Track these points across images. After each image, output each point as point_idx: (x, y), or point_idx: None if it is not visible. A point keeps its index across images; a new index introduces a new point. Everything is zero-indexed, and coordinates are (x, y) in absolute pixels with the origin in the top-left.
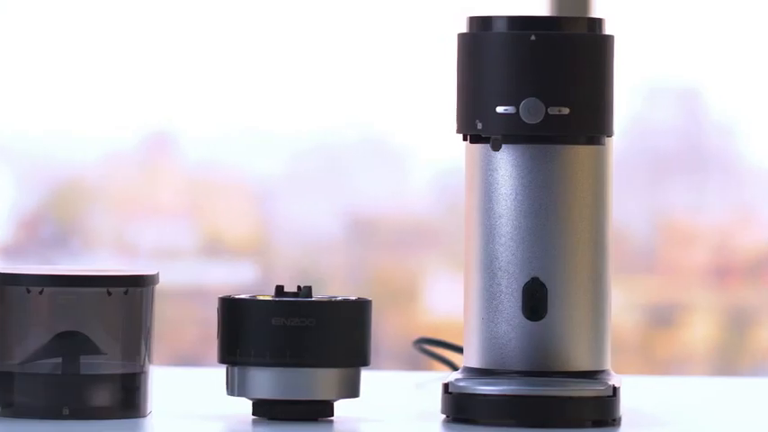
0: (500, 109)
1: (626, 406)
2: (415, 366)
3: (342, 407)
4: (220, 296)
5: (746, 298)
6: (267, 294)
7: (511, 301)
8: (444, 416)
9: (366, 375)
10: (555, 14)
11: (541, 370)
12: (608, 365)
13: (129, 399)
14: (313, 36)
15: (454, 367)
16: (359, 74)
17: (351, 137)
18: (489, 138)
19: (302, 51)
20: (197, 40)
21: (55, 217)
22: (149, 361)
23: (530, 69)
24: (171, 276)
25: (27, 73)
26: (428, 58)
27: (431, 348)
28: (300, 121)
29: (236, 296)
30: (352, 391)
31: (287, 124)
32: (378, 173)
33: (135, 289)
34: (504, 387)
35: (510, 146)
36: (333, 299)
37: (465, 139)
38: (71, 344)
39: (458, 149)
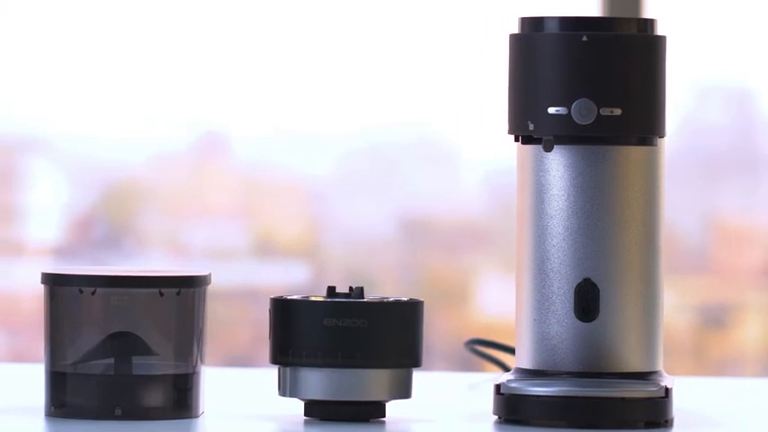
0: (552, 110)
1: (678, 407)
2: (466, 367)
3: (393, 408)
4: (272, 297)
5: None
6: (319, 295)
7: (563, 302)
8: (496, 417)
9: (418, 376)
10: (606, 15)
11: (593, 371)
12: (660, 366)
13: (182, 399)
14: (366, 36)
15: (506, 368)
16: (411, 74)
17: (403, 137)
18: (541, 139)
19: (355, 51)
20: (249, 40)
21: (107, 218)
22: (201, 361)
23: (581, 70)
24: (223, 277)
25: (80, 75)
26: (480, 58)
27: (482, 349)
28: (352, 122)
29: (289, 297)
30: (403, 391)
31: (338, 124)
32: (430, 173)
33: (187, 290)
34: (556, 388)
35: (562, 147)
36: (385, 299)
37: (517, 139)
38: (123, 344)
39: (510, 150)
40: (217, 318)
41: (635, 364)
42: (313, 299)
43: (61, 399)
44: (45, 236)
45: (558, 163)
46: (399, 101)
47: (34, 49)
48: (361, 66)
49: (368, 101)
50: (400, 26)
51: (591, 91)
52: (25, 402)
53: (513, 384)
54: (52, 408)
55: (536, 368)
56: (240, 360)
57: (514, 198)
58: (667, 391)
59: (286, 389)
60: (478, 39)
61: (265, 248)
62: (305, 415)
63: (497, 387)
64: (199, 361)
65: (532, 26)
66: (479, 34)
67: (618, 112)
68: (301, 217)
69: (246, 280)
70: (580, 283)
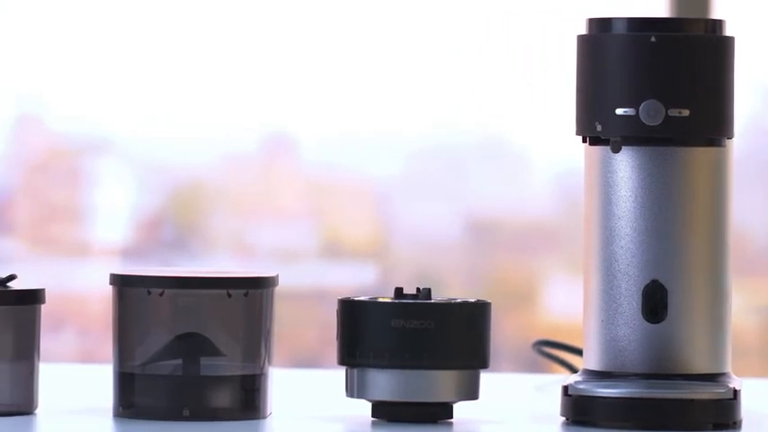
0: (620, 111)
1: (747, 409)
2: (533, 368)
3: (461, 409)
4: (340, 298)
5: None
6: (387, 296)
7: (630, 304)
8: (564, 418)
9: (485, 377)
10: (674, 15)
11: (661, 372)
12: (728, 368)
13: (249, 400)
14: (434, 37)
15: (573, 369)
16: (478, 75)
17: (470, 137)
18: (609, 140)
19: (423, 52)
20: (317, 42)
21: (175, 219)
22: (269, 362)
23: (650, 71)
24: (290, 278)
25: (149, 77)
26: (548, 58)
27: (550, 351)
28: (419, 122)
29: (356, 298)
30: (471, 393)
31: (406, 125)
32: (497, 173)
33: (255, 291)
34: (624, 389)
35: (629, 148)
36: (452, 301)
37: (584, 140)
38: (191, 345)
39: (577, 151)
40: (284, 319)
41: (703, 366)
42: (380, 300)
43: (129, 399)
44: (113, 237)
45: (625, 164)
46: (467, 101)
47: (103, 51)
48: (430, 66)
49: (435, 101)
50: (467, 27)
51: (659, 92)
52: (94, 403)
53: (581, 386)
54: (120, 408)
55: (603, 369)
56: (307, 361)
57: (582, 199)
58: (735, 392)
59: (353, 390)
60: (547, 39)
61: (333, 249)
62: (372, 416)
63: (565, 388)
64: (266, 362)
65: (600, 27)
66: (548, 34)
67: (686, 113)
68: (369, 218)
69: (314, 281)
70: (648, 284)
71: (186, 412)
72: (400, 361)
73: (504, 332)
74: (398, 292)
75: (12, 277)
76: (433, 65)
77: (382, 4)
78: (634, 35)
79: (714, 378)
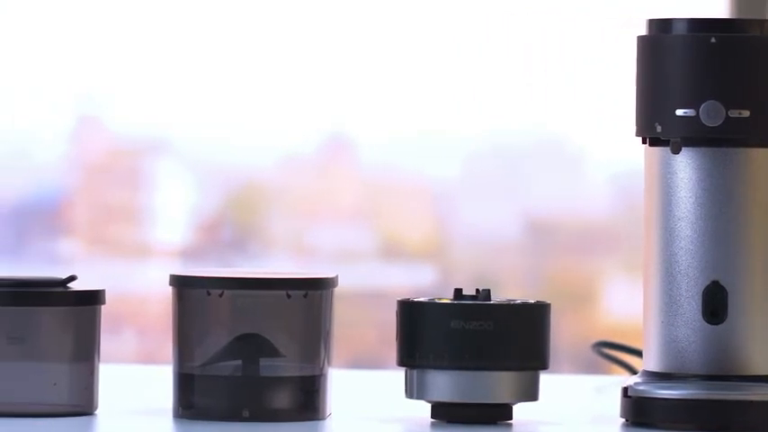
0: (680, 112)
1: None
2: (593, 370)
3: (520, 410)
4: (399, 299)
5: None
6: (446, 297)
7: (690, 305)
8: (623, 420)
9: (545, 378)
10: (735, 16)
11: (721, 374)
12: None
13: (309, 401)
14: (490, 38)
15: (633, 371)
16: (536, 75)
17: (528, 138)
18: (669, 140)
19: (480, 54)
20: (373, 43)
21: (234, 220)
22: (328, 363)
23: (710, 72)
24: (349, 279)
25: (207, 78)
26: (607, 59)
27: (610, 352)
28: (478, 123)
29: (415, 299)
30: (530, 394)
31: (464, 126)
32: (555, 175)
33: (314, 292)
34: (684, 391)
35: (689, 149)
36: (512, 302)
37: (644, 141)
38: (251, 346)
39: (636, 152)
40: (343, 320)
41: (763, 367)
42: (440, 301)
43: (189, 400)
44: (172, 238)
45: (685, 165)
46: (525, 102)
47: (163, 53)
48: (489, 67)
49: (494, 102)
50: (526, 27)
51: (719, 93)
52: (153, 404)
53: (641, 387)
54: (180, 409)
55: (663, 371)
56: (366, 362)
57: (641, 200)
58: None
59: (413, 391)
60: (605, 39)
61: (391, 250)
62: (432, 417)
63: (625, 390)
64: (326, 363)
65: (660, 28)
66: (607, 35)
67: (746, 113)
68: (427, 219)
69: (372, 282)
70: (708, 285)
71: (246, 413)
72: (460, 362)
73: (563, 333)
74: (458, 293)
75: (72, 278)
76: (491, 66)
77: (441, 6)
78: (694, 36)
79: None
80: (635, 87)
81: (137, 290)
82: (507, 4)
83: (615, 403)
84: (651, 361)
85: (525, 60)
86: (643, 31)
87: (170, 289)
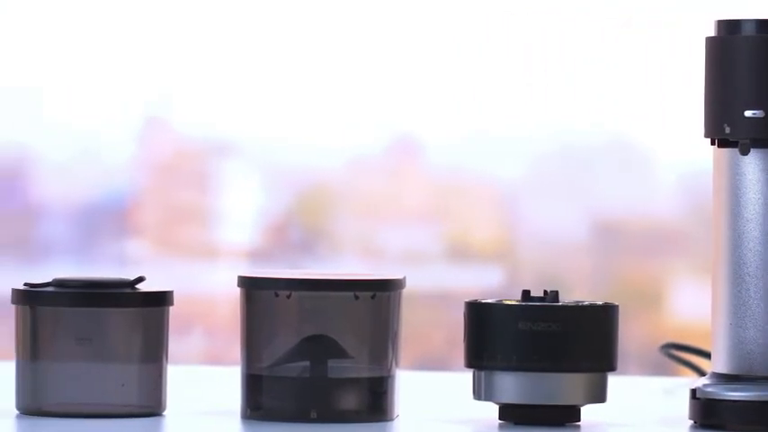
0: (748, 113)
1: None
2: (661, 371)
3: (588, 412)
4: (467, 300)
5: None
6: (513, 299)
7: (759, 306)
8: (692, 422)
9: (612, 380)
10: None
11: None
12: None
13: (377, 402)
14: (557, 39)
15: (701, 372)
16: (603, 76)
17: (596, 139)
18: (737, 142)
19: (548, 54)
20: (441, 44)
21: (302, 221)
22: (396, 365)
23: None
24: (417, 280)
25: (274, 80)
26: (675, 59)
27: (678, 353)
28: (545, 124)
29: (483, 300)
30: (598, 396)
31: (531, 127)
32: (623, 175)
33: (382, 293)
34: (753, 393)
35: (758, 150)
36: (579, 303)
37: (713, 143)
38: (319, 347)
39: (705, 152)
40: (410, 321)
41: None
42: (507, 303)
43: (257, 401)
44: (240, 239)
45: (754, 166)
46: (592, 102)
47: (230, 54)
48: (557, 68)
49: (560, 102)
50: (594, 28)
51: None
52: (221, 405)
53: (710, 389)
54: (248, 410)
55: (732, 372)
56: (434, 363)
57: (710, 201)
58: None
59: (480, 392)
60: (673, 40)
61: (459, 252)
62: (499, 419)
63: (693, 391)
64: (394, 364)
65: (729, 29)
66: (675, 35)
67: None
68: (494, 220)
69: (440, 283)
70: None
71: (314, 414)
72: (528, 363)
73: (631, 335)
74: (525, 294)
75: (140, 279)
76: (560, 66)
77: (507, 6)
78: (763, 37)
79: None
80: (703, 88)
81: (204, 291)
82: (577, 3)
83: (683, 405)
84: (720, 363)
85: (595, 60)
86: (711, 32)
87: (238, 290)
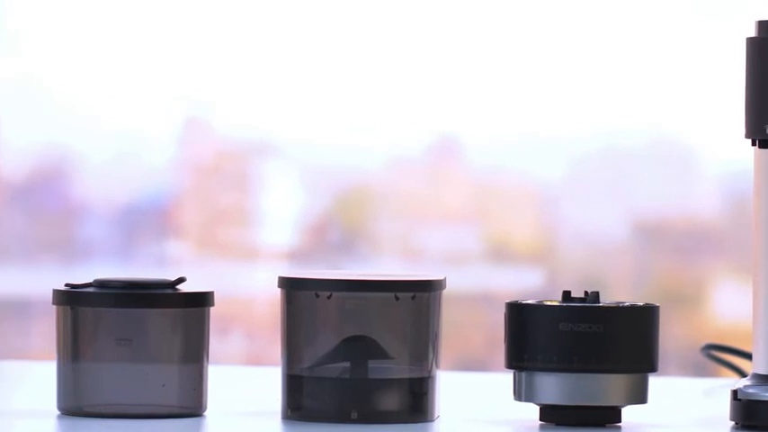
0: None
1: None
2: (702, 372)
3: (629, 413)
4: (507, 301)
5: None
6: (554, 299)
7: None
8: (733, 423)
9: (653, 381)
10: None
11: None
12: None
13: (417, 403)
14: (598, 37)
15: (742, 373)
16: (645, 75)
17: (636, 139)
18: None
19: (587, 53)
20: (481, 45)
21: (342, 222)
22: (437, 365)
23: None
24: (457, 281)
25: (314, 81)
26: (716, 60)
27: (718, 354)
28: (585, 124)
29: (524, 301)
30: (639, 397)
31: (571, 127)
32: (663, 176)
33: (423, 294)
34: None
35: None
36: (620, 304)
37: (754, 143)
38: (359, 348)
39: (746, 153)
40: (450, 321)
41: None
42: (548, 303)
43: (298, 402)
44: (280, 240)
45: None
46: (633, 102)
47: (271, 55)
48: (596, 68)
49: (601, 102)
50: (633, 27)
51: None
52: (262, 405)
53: (751, 390)
54: (288, 411)
55: None
56: (473, 364)
57: (750, 202)
58: None
59: (521, 393)
60: (715, 40)
61: (499, 252)
62: (540, 420)
63: (734, 393)
64: (434, 365)
65: None
66: (716, 35)
67: None
68: (535, 221)
69: (480, 284)
70: None
71: (354, 415)
72: (568, 364)
73: (671, 336)
74: (566, 295)
75: (181, 280)
76: (598, 66)
77: (545, 7)
78: None
79: None
80: (744, 89)
81: (245, 291)
82: (619, 2)
83: (724, 406)
84: (761, 363)
85: (635, 60)
86: (753, 33)
87: (278, 291)
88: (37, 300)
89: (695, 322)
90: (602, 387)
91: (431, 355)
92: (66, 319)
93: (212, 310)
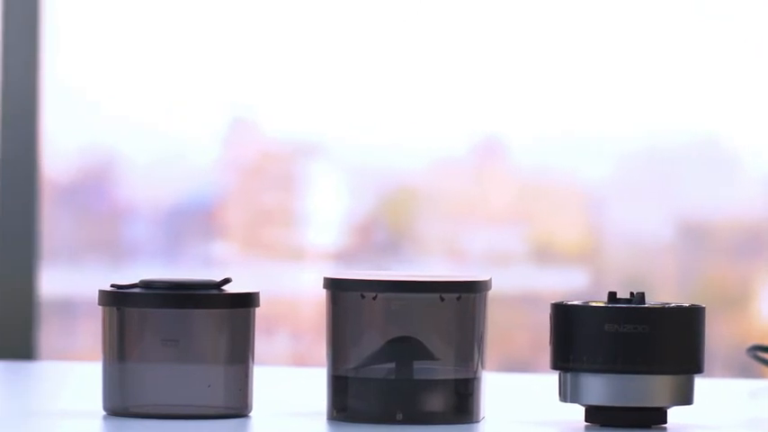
0: None
1: None
2: (747, 374)
3: (675, 414)
4: (553, 302)
5: None
6: (599, 300)
7: None
8: None
9: (698, 382)
10: None
11: None
12: None
13: (463, 404)
14: (643, 38)
15: None
16: (691, 75)
17: (682, 139)
18: None
19: (634, 54)
20: (526, 45)
21: (387, 223)
22: (482, 367)
23: None
24: (502, 282)
25: (359, 82)
26: (764, 60)
27: (765, 356)
28: (630, 124)
29: (569, 302)
30: (685, 398)
31: (616, 127)
32: (709, 176)
33: (468, 295)
34: None
35: None
36: (666, 305)
37: None
38: (404, 349)
39: None
40: (495, 322)
41: None
42: (594, 304)
43: (343, 403)
44: (325, 241)
45: None
46: (679, 102)
47: (315, 56)
48: (642, 67)
49: (647, 102)
50: (680, 26)
51: None
52: (307, 406)
53: None
54: (334, 411)
55: None
56: (518, 365)
57: None
58: None
59: (567, 394)
60: (764, 40)
61: (544, 253)
62: (586, 421)
63: None
64: (479, 366)
65: None
66: (764, 36)
67: None
68: (580, 221)
69: (525, 285)
70: None
71: (399, 416)
72: (614, 365)
73: (717, 337)
74: (612, 296)
75: (227, 281)
76: (645, 65)
77: (592, 7)
78: None
79: None
80: None
81: (290, 292)
82: (664, 2)
83: None
84: None
85: (680, 59)
86: None
87: (323, 292)
88: (83, 300)
89: (741, 323)
90: (648, 388)
91: (476, 356)
92: (112, 320)
93: (258, 310)
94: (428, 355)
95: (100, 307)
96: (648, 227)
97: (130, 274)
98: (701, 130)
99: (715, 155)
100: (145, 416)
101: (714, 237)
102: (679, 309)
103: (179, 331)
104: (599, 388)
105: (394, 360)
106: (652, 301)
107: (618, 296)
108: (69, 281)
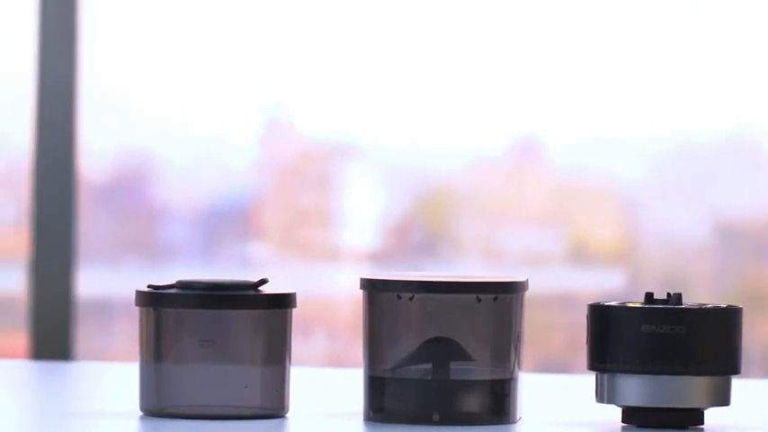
0: None
1: None
2: None
3: (712, 415)
4: (590, 303)
5: None
6: (636, 301)
7: None
8: None
9: (736, 383)
10: None
11: None
12: None
13: (499, 405)
14: (678, 39)
15: None
16: (727, 74)
17: (718, 139)
18: None
19: (670, 53)
20: (562, 45)
21: (423, 224)
22: (519, 367)
23: None
24: (538, 282)
25: (395, 82)
26: None
27: None
28: (666, 124)
29: (606, 303)
30: (722, 399)
31: (652, 127)
32: (746, 176)
33: (505, 296)
34: None
35: None
36: (703, 306)
37: None
38: (441, 350)
39: None
40: (532, 323)
41: None
42: (630, 305)
43: (380, 403)
44: (362, 241)
45: None
46: (714, 102)
47: (351, 56)
48: (678, 67)
49: (682, 102)
50: (714, 26)
51: None
52: (344, 407)
53: None
54: (371, 412)
55: None
56: (555, 366)
57: None
58: None
59: (603, 395)
60: None
61: (580, 254)
62: (622, 422)
63: None
64: (516, 367)
65: None
66: None
67: None
68: (616, 222)
69: (561, 285)
70: None
71: (436, 417)
72: (651, 366)
73: (754, 338)
74: (649, 296)
75: (264, 281)
76: (680, 66)
77: (627, 7)
78: None
79: None
80: None
81: (327, 293)
82: (703, 6)
83: None
84: None
85: (715, 58)
86: None
87: (360, 292)
88: (120, 301)
89: None
90: (685, 389)
91: (513, 357)
92: (149, 321)
93: (294, 311)
94: (465, 356)
95: (137, 308)
96: (684, 226)
97: (167, 275)
98: (735, 130)
99: (750, 154)
100: (181, 416)
101: (750, 236)
102: (716, 309)
103: (216, 332)
104: (636, 389)
105: (430, 361)
106: (689, 301)
107: (655, 297)
108: (106, 281)
